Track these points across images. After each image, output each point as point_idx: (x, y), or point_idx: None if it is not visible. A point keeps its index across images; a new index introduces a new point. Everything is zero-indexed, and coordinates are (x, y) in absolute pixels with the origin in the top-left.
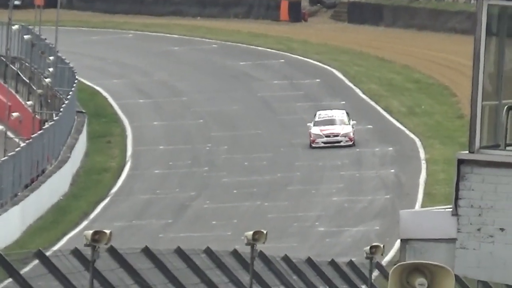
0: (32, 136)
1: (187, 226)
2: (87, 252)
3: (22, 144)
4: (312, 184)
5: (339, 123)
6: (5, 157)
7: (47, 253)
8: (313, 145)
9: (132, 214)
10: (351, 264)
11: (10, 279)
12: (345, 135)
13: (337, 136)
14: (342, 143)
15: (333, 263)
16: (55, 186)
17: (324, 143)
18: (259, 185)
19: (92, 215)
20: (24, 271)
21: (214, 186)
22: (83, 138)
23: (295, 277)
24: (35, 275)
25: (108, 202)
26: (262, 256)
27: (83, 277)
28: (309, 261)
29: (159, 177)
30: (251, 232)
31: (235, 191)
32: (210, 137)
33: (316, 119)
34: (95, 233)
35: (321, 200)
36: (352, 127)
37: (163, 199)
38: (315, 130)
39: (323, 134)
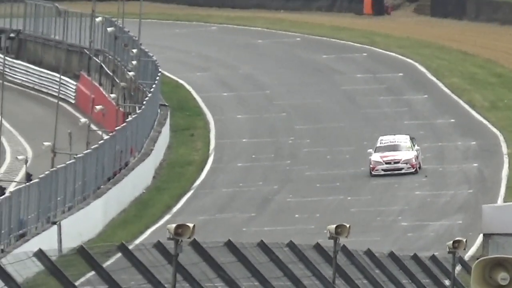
0: (116, 128)
1: (270, 220)
2: (170, 245)
3: (106, 137)
4: (395, 178)
5: (401, 149)
6: (88, 150)
7: (130, 247)
8: (373, 172)
9: (215, 208)
10: (433, 258)
11: (92, 272)
12: (406, 162)
13: (398, 162)
14: (403, 171)
15: (415, 258)
16: (138, 179)
17: (384, 170)
18: (342, 179)
19: (175, 209)
20: (106, 264)
21: (297, 180)
22: (166, 131)
23: (377, 271)
24: (117, 269)
25: (191, 196)
26: (345, 250)
27: (166, 271)
28: (392, 255)
29: (242, 170)
30: (334, 226)
31: (318, 185)
32: (293, 130)
33: (378, 144)
34: (178, 226)
35: (404, 194)
36: (416, 152)
37: (246, 193)
38: (375, 157)
39: (384, 161)
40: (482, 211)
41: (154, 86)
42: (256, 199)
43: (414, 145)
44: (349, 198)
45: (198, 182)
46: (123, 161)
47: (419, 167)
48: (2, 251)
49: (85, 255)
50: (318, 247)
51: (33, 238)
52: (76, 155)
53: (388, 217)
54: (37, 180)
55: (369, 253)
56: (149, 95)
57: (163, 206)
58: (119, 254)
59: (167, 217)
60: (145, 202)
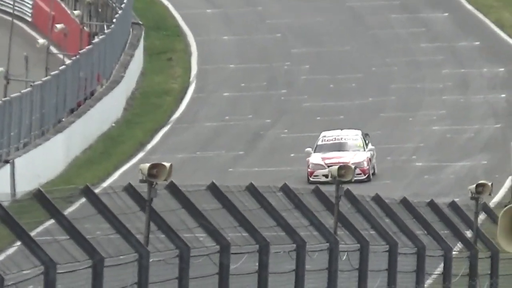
0: (79, 51)
1: (261, 159)
2: (143, 189)
3: (68, 62)
4: (409, 111)
5: (349, 148)
6: (48, 77)
7: (96, 190)
8: (312, 178)
9: (196, 145)
10: (453, 205)
11: (52, 221)
12: (355, 166)
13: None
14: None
15: (432, 204)
16: (106, 111)
17: (326, 176)
18: (347, 112)
19: (149, 146)
20: (68, 211)
21: (293, 112)
22: (139, 54)
23: (387, 220)
24: (81, 216)
25: (168, 130)
26: (349, 195)
27: (137, 219)
28: (404, 201)
29: (229, 101)
30: (337, 167)
31: (318, 118)
32: (290, 54)
33: (319, 142)
34: (153, 166)
35: (419, 130)
36: (370, 154)
37: (233, 127)
38: (315, 158)
39: (325, 164)
40: (511, 150)
41: (125, 1)
42: (245, 134)
43: (367, 144)
44: None
45: (176, 114)
46: (88, 90)
47: (373, 173)
48: None
49: (43, 200)
50: (317, 192)
51: None
52: (33, 82)
53: (401, 156)
54: None
55: (377, 199)
56: (120, 11)
57: (135, 142)
58: (83, 199)
59: (140, 155)
60: (114, 138)
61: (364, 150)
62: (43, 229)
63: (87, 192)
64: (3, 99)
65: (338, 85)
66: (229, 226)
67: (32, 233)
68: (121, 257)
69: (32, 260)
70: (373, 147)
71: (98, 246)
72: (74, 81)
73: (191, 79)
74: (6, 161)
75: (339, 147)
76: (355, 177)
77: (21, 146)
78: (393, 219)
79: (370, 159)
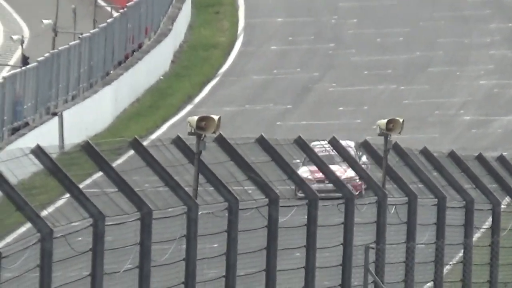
0: (127, 4)
1: (309, 113)
2: (192, 141)
3: (115, 14)
4: (457, 65)
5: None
6: (95, 29)
7: (144, 143)
8: (299, 194)
9: (244, 98)
10: (501, 159)
11: (100, 173)
12: (347, 181)
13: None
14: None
15: (480, 158)
16: (154, 64)
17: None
18: (394, 66)
19: (197, 99)
20: (116, 163)
21: (341, 66)
22: (187, 7)
23: (435, 173)
24: (129, 169)
25: (216, 83)
26: (397, 148)
27: (186, 171)
28: (452, 155)
29: (277, 55)
30: (385, 121)
31: (365, 72)
32: (337, 8)
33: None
34: (201, 119)
35: (467, 84)
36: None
37: (281, 80)
38: (303, 171)
39: (314, 179)
40: None
41: None
42: (293, 88)
43: (360, 156)
44: (402, 87)
45: (224, 68)
46: (136, 43)
47: (366, 188)
48: None
49: (91, 152)
50: (365, 145)
51: (30, 132)
52: (81, 34)
53: (448, 110)
54: (35, 64)
55: (425, 152)
56: None
57: (183, 95)
58: (131, 152)
59: (188, 108)
60: (162, 90)
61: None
62: (92, 181)
63: (136, 145)
64: (51, 51)
65: (385, 39)
66: (277, 179)
67: (81, 186)
68: (170, 209)
69: (80, 213)
70: (367, 160)
71: (147, 198)
72: (122, 34)
73: (238, 32)
74: (55, 114)
75: (330, 159)
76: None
77: (69, 99)
78: (441, 173)
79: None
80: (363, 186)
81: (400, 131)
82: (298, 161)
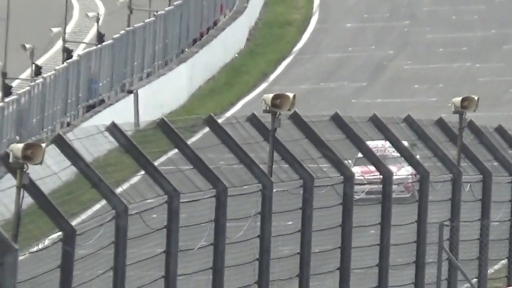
0: None
1: (384, 90)
2: (267, 119)
3: None
4: None
5: (394, 161)
6: (171, 7)
7: (219, 120)
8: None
9: (319, 75)
10: None
11: (175, 150)
12: (398, 182)
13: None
14: (394, 195)
15: None
16: (229, 42)
17: (367, 193)
18: (469, 43)
19: (272, 76)
20: (191, 140)
21: (416, 44)
22: None
23: (510, 151)
24: (204, 146)
25: (291, 61)
26: (472, 126)
27: (261, 148)
28: None
29: (352, 32)
30: (460, 98)
31: (440, 50)
32: None
33: (359, 154)
34: (276, 97)
35: None
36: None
37: (356, 58)
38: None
39: (365, 179)
40: None
41: None
42: (368, 65)
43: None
44: (477, 65)
45: (299, 45)
46: (212, 20)
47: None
48: (69, 124)
49: (166, 129)
50: (440, 123)
51: (105, 110)
52: (157, 12)
53: None
54: (110, 41)
55: (500, 130)
56: None
57: (258, 73)
58: (206, 129)
59: (263, 86)
60: (237, 68)
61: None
62: (167, 158)
63: (211, 122)
64: (126, 29)
65: (460, 17)
66: (352, 157)
67: (156, 163)
68: (245, 187)
69: (155, 190)
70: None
71: (222, 175)
72: (197, 11)
73: (314, 9)
74: (130, 91)
75: (383, 159)
76: (398, 194)
77: (145, 76)
78: None
79: (415, 174)
80: (416, 187)
81: (475, 109)
82: (349, 161)
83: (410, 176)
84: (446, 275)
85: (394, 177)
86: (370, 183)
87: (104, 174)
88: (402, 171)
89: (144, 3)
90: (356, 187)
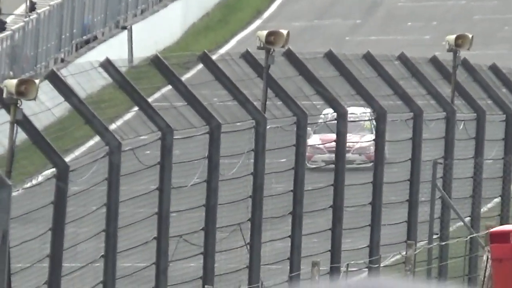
0: None
1: (378, 28)
2: (260, 56)
3: None
4: None
5: (355, 129)
6: None
7: (213, 57)
8: (309, 164)
9: (313, 13)
10: None
11: (168, 87)
12: (360, 152)
13: (348, 151)
14: (354, 164)
15: None
16: None
17: (326, 162)
18: None
19: (266, 13)
20: (185, 77)
21: None
22: None
23: (504, 90)
24: (198, 82)
25: None
26: (466, 64)
27: (254, 85)
28: None
29: None
30: (454, 36)
31: None
32: None
33: (320, 121)
34: (270, 34)
35: None
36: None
37: None
38: (314, 140)
39: (325, 148)
40: None
41: None
42: (362, 3)
43: (374, 127)
44: (472, 3)
45: None
46: None
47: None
48: (63, 60)
49: (160, 65)
50: (434, 61)
51: (99, 46)
52: None
53: None
54: None
55: (494, 68)
56: None
57: (252, 9)
58: (200, 66)
59: (257, 23)
60: (231, 5)
61: (372, 133)
62: (160, 95)
63: (204, 58)
64: None
65: None
66: (346, 94)
67: (150, 99)
68: (238, 123)
69: (149, 126)
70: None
71: (215, 112)
72: None
73: None
74: (124, 27)
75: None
76: (359, 164)
77: (139, 13)
78: (509, 89)
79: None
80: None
81: (469, 47)
82: (309, 130)
83: (372, 146)
84: (439, 214)
85: (356, 146)
86: (330, 151)
87: (98, 110)
88: (366, 139)
89: None
90: (315, 156)
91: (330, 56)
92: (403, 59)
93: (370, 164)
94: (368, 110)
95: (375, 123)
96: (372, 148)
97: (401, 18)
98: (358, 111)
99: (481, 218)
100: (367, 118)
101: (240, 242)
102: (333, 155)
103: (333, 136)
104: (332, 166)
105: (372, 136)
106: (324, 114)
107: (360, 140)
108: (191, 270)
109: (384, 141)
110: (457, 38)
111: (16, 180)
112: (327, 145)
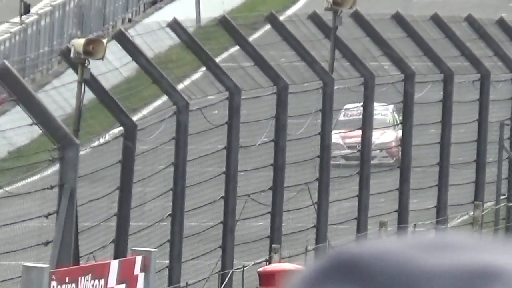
0: None
1: None
2: (328, 17)
3: None
4: None
5: (377, 125)
6: None
7: (281, 18)
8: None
9: None
10: None
11: (236, 47)
12: (381, 147)
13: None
14: (375, 161)
15: None
16: None
17: (346, 159)
18: None
19: None
20: (252, 37)
21: None
22: None
23: None
24: (266, 43)
25: None
26: None
27: (322, 46)
28: None
29: None
30: None
31: None
32: None
33: (340, 117)
34: None
35: None
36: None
37: None
38: (334, 136)
39: (345, 144)
40: None
41: None
42: None
43: (398, 121)
44: None
45: None
46: None
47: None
48: (130, 20)
49: (227, 26)
50: (501, 22)
51: (167, 6)
52: None
53: None
54: None
55: None
56: None
57: None
58: (267, 26)
59: None
60: None
61: (395, 129)
62: (228, 55)
63: (272, 19)
64: None
65: None
66: (413, 55)
67: (217, 59)
68: (306, 84)
69: (217, 86)
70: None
71: (283, 73)
72: None
73: None
74: None
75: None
76: (380, 160)
77: None
78: None
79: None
80: (399, 153)
81: None
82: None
83: (395, 140)
84: (506, 174)
85: (377, 142)
86: (350, 147)
87: (165, 70)
88: (387, 135)
89: None
90: (335, 152)
91: (398, 18)
92: (470, 21)
93: (393, 161)
94: (390, 106)
95: (398, 116)
96: (394, 144)
97: None
98: (379, 107)
99: None
100: (388, 114)
101: (308, 202)
102: (354, 151)
103: (355, 132)
104: (354, 162)
105: (393, 134)
106: (344, 110)
107: (381, 136)
108: (258, 229)
109: (452, 102)
110: None
111: (83, 139)
112: (347, 141)
